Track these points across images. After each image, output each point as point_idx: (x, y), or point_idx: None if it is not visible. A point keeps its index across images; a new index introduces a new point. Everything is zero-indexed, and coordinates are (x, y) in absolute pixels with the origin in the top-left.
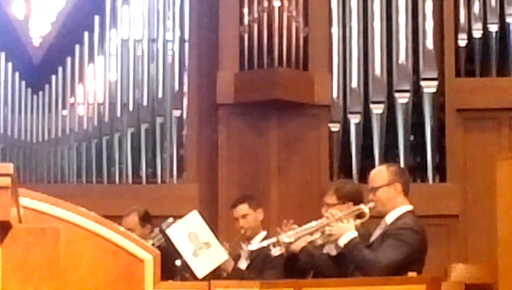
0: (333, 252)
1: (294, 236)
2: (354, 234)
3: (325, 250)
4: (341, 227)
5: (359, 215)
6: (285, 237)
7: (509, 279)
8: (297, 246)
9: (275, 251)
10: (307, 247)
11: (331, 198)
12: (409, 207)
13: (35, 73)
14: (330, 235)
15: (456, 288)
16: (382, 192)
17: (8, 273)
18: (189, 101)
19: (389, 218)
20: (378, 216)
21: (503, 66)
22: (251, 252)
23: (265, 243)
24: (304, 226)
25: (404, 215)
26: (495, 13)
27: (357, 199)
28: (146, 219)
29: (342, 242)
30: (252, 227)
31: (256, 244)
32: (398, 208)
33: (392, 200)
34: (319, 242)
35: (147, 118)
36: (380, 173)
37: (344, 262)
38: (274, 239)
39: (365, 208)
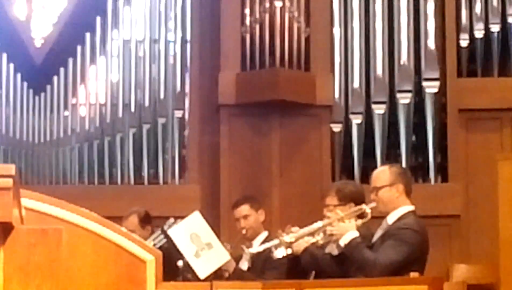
0: (335, 252)
1: (295, 236)
2: (355, 234)
3: (326, 250)
4: (342, 227)
5: (361, 215)
6: (286, 237)
7: (511, 279)
8: (299, 247)
9: (277, 254)
10: (310, 248)
11: (332, 200)
12: (411, 208)
13: (36, 74)
14: (331, 235)
15: (458, 289)
16: (383, 192)
17: (10, 274)
18: (191, 102)
19: (391, 219)
20: (380, 216)
21: (505, 66)
22: (253, 254)
23: (267, 245)
24: (306, 228)
25: (406, 215)
26: (497, 13)
27: (359, 200)
28: (146, 220)
29: (343, 242)
30: (254, 228)
31: (257, 247)
32: (400, 209)
33: (393, 200)
34: (321, 242)
35: (149, 118)
36: (382, 173)
37: (346, 263)
38: (275, 241)
39: (366, 208)
